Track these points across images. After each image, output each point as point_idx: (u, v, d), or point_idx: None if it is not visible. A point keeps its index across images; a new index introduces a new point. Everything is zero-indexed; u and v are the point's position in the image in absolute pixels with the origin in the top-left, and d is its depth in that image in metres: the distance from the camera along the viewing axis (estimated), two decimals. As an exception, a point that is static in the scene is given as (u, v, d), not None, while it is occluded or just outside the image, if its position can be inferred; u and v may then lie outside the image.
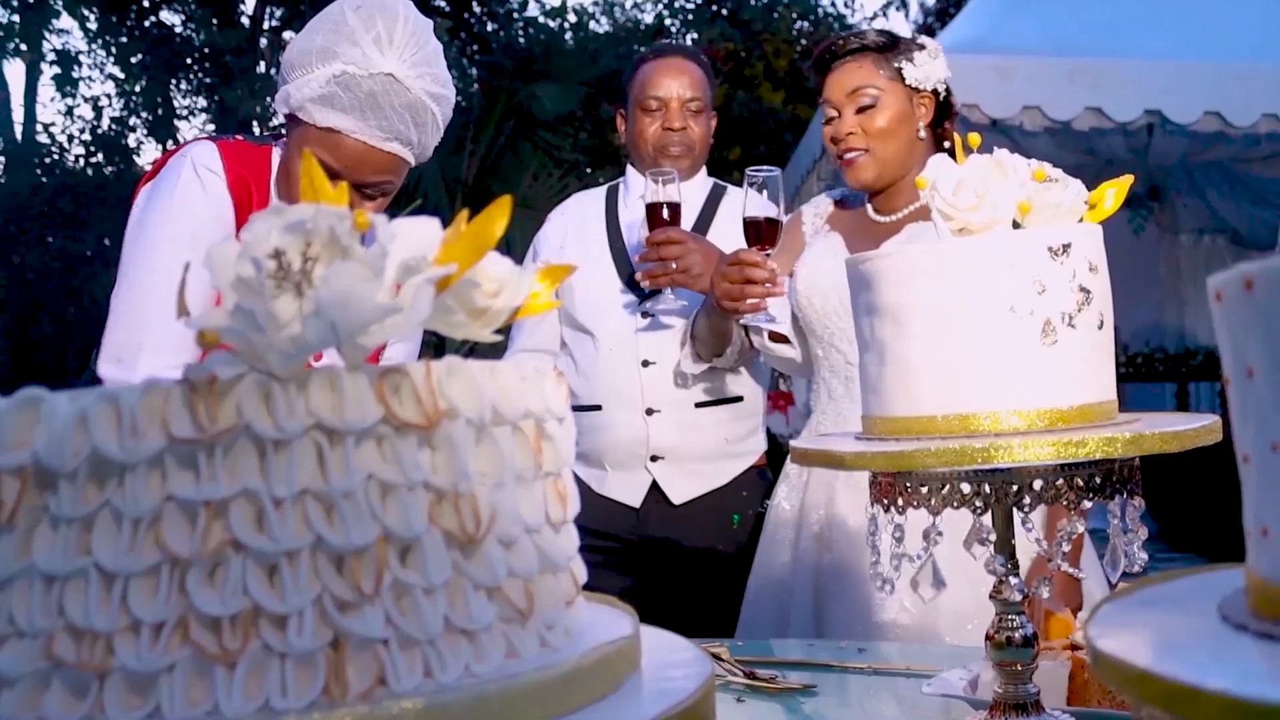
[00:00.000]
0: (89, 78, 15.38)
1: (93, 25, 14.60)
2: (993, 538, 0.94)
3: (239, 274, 0.61)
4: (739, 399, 2.49)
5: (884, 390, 0.95)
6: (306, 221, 0.62)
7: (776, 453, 7.13)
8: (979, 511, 0.91)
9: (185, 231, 1.78)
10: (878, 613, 1.93)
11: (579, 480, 2.49)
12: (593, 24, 14.70)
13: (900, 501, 0.94)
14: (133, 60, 14.18)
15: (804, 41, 13.65)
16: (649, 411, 2.43)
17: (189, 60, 14.16)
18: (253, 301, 0.60)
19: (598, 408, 2.47)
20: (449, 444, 0.63)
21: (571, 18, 14.50)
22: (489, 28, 14.14)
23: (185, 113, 14.55)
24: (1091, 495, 0.91)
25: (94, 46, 15.05)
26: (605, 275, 2.51)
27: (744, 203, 2.14)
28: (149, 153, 14.89)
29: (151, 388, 0.60)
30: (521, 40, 13.72)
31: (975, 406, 0.90)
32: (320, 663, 0.58)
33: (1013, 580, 0.99)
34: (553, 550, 0.70)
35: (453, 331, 0.67)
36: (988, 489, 0.90)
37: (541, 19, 14.54)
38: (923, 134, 2.15)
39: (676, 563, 2.43)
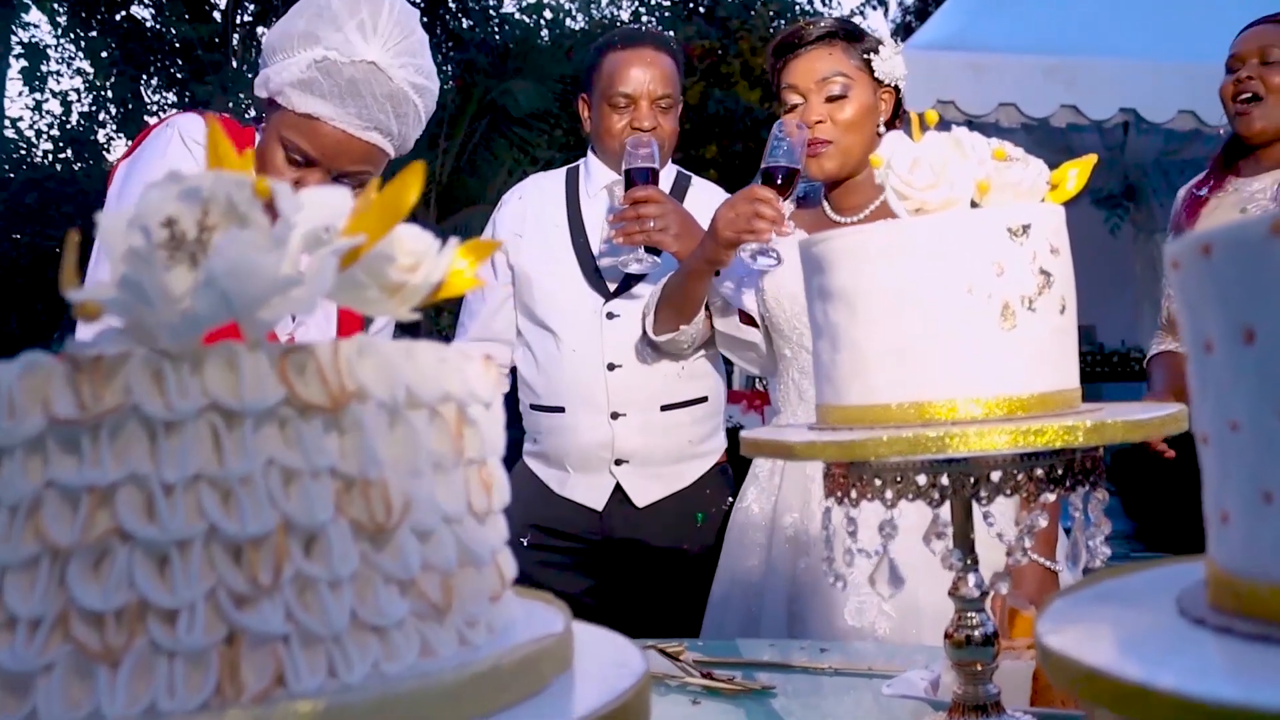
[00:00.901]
0: (57, 72, 15.20)
1: (62, 19, 14.44)
2: (949, 531, 0.91)
3: (129, 244, 0.57)
4: (703, 399, 2.45)
5: (837, 378, 0.91)
6: (203, 189, 0.57)
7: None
8: (935, 504, 0.87)
9: None
10: (856, 617, 1.89)
11: (539, 481, 2.44)
12: (568, 20, 14.65)
13: (854, 494, 0.90)
14: (103, 55, 14.03)
15: (780, 40, 13.58)
16: (614, 415, 2.38)
17: (159, 55, 14.03)
18: (142, 273, 0.56)
19: (560, 409, 2.41)
20: (358, 428, 0.59)
21: (547, 14, 14.44)
22: (464, 24, 14.06)
23: (155, 108, 14.39)
24: (1052, 486, 0.87)
25: (63, 41, 14.89)
26: (567, 270, 2.44)
27: (765, 152, 2.04)
28: (119, 149, 14.75)
29: (32, 365, 0.55)
30: (496, 37, 13.65)
31: (931, 394, 0.86)
32: (212, 661, 0.54)
33: (971, 577, 0.95)
34: (475, 542, 0.65)
35: (367, 308, 0.63)
36: (945, 480, 0.87)
37: (517, 15, 14.47)
38: (882, 130, 2.13)
39: (641, 563, 2.39)
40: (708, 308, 2.26)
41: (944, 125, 1.03)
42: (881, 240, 0.88)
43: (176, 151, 1.77)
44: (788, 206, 2.07)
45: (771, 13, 14.48)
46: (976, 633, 0.95)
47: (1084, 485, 0.88)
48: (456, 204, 11.67)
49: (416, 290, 0.63)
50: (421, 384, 0.62)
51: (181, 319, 0.54)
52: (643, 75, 2.38)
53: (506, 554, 0.71)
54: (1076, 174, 0.95)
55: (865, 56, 2.09)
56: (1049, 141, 6.54)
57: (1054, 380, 0.89)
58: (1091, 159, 0.97)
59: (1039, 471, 0.87)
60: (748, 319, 2.23)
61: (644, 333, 2.30)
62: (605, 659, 0.70)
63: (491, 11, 14.47)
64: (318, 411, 0.58)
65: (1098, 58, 6.05)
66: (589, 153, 2.57)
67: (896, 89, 2.12)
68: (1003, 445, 0.79)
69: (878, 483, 0.89)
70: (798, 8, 14.91)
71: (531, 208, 2.54)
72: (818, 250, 0.92)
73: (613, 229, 2.26)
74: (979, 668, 0.97)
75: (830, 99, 2.07)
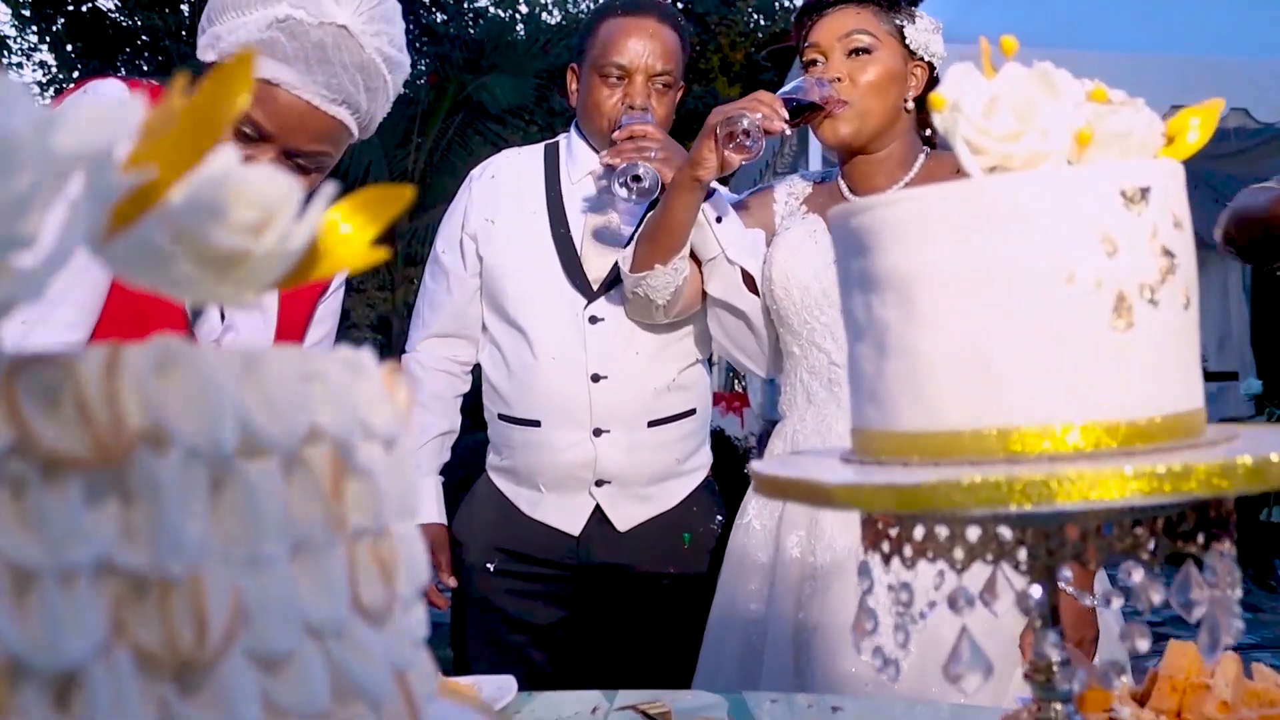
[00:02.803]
0: (19, 65, 14.82)
1: (26, 11, 14.08)
2: (1036, 597, 0.67)
3: None
4: (691, 412, 2.20)
5: (885, 394, 0.67)
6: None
7: (730, 456, 6.90)
8: (1025, 569, 0.64)
9: None
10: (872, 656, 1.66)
11: (506, 501, 2.20)
12: (544, 15, 14.39)
13: (908, 550, 0.67)
14: (66, 47, 13.68)
15: (760, 35, 13.42)
16: (597, 432, 2.12)
17: (125, 47, 13.69)
18: None
19: (535, 423, 2.14)
20: (151, 492, 0.35)
21: (523, 8, 14.19)
22: (438, 18, 13.78)
23: (121, 102, 14.01)
24: (1179, 542, 0.64)
25: (25, 32, 14.52)
26: (545, 265, 2.16)
27: (785, 82, 1.83)
28: (83, 143, 14.37)
29: None
30: (471, 31, 13.39)
31: (1020, 418, 0.63)
32: None
33: (1054, 651, 0.71)
34: (363, 662, 0.42)
35: (179, 289, 0.39)
36: (1034, 537, 0.64)
37: (492, 10, 14.20)
38: (909, 105, 1.92)
39: (624, 591, 2.15)
40: (696, 260, 2.01)
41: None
42: (949, 207, 0.64)
43: None
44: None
45: (750, 8, 14.27)
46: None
47: (1218, 541, 0.65)
48: (430, 202, 11.40)
49: (264, 264, 0.40)
50: (268, 415, 0.38)
51: None
52: (641, 47, 2.09)
53: (421, 662, 0.48)
54: (1199, 123, 0.72)
55: (899, 23, 1.89)
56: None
57: (1179, 398, 0.65)
58: (1219, 103, 0.74)
59: (1160, 524, 0.64)
60: (749, 281, 1.99)
61: (619, 270, 2.03)
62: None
63: (466, 6, 14.20)
64: (77, 467, 0.34)
65: (1083, 50, 5.87)
66: (572, 129, 2.28)
67: (931, 66, 1.92)
68: (1133, 492, 0.56)
69: (942, 535, 0.65)
70: (776, 3, 14.71)
71: (505, 188, 2.24)
72: (858, 222, 0.68)
73: (604, 156, 2.03)
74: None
75: (853, 53, 1.86)
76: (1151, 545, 0.63)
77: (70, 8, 13.73)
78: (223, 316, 1.61)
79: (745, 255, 1.96)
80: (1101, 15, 6.17)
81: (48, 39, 14.02)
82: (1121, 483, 0.56)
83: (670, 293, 1.97)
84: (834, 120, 1.87)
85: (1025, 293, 0.64)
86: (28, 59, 14.64)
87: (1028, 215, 0.64)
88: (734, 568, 1.96)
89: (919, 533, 0.67)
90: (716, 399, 7.75)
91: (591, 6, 15.07)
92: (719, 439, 7.18)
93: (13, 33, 14.70)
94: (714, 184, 1.95)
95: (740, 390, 9.15)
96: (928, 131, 2.01)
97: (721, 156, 1.80)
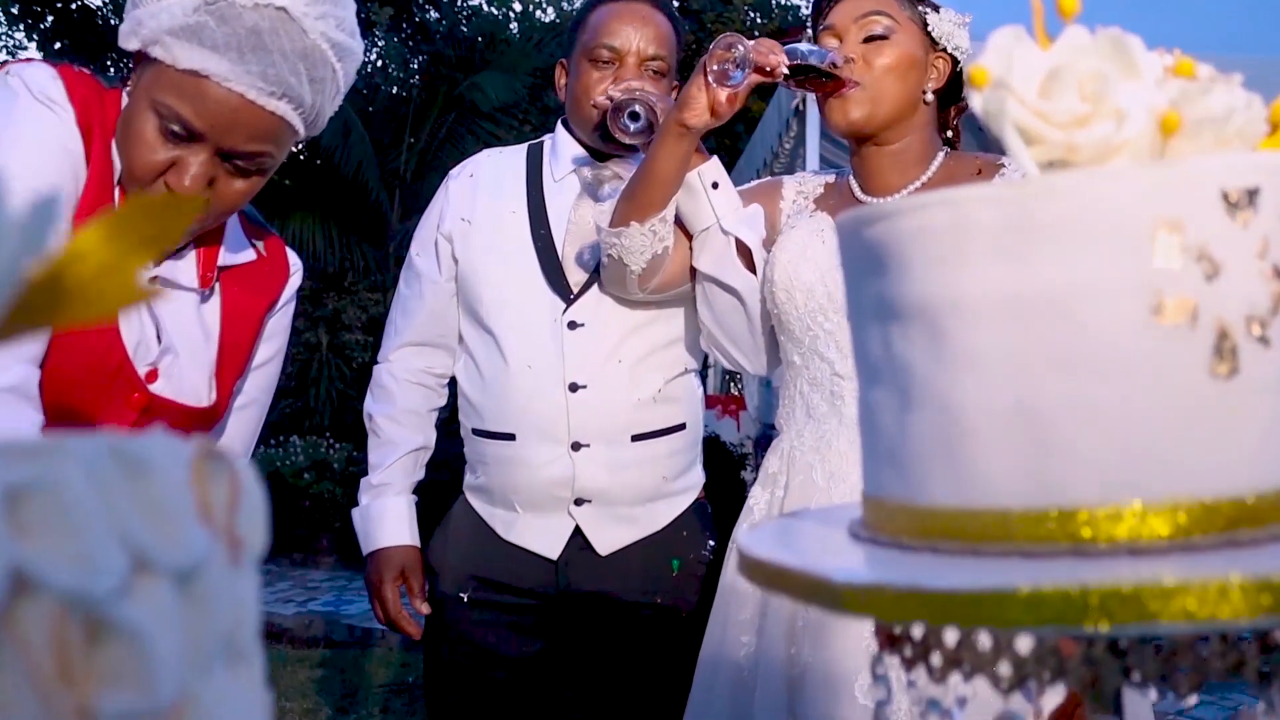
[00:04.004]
0: (5, 62, 14.64)
1: (14, 9, 13.90)
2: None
3: None
4: (680, 427, 2.04)
5: (909, 457, 0.52)
6: None
7: (725, 464, 6.72)
8: (1094, 695, 0.49)
9: (43, 176, 1.32)
10: (868, 695, 1.52)
11: (482, 523, 2.04)
12: (538, 12, 14.23)
13: (936, 659, 0.52)
14: (55, 45, 13.51)
15: (756, 33, 13.26)
16: (575, 446, 1.95)
17: (114, 45, 13.53)
18: None
19: (510, 437, 1.98)
20: None
21: (516, 6, 14.03)
22: (430, 16, 13.61)
23: (109, 100, 13.87)
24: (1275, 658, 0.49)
25: (13, 30, 14.36)
26: (522, 267, 2.01)
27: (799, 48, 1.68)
28: (71, 142, 14.23)
29: None
30: (464, 29, 13.23)
31: (1086, 494, 0.48)
32: None
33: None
34: None
35: None
36: (1111, 657, 0.48)
37: (485, 7, 14.04)
38: (929, 98, 1.77)
39: (606, 621, 1.99)
40: (687, 235, 1.84)
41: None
42: (997, 216, 0.49)
43: (30, 111, 1.35)
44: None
45: (747, 6, 14.12)
46: None
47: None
48: (422, 203, 11.25)
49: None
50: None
51: None
52: (634, 32, 1.97)
53: None
54: (1310, 106, 0.57)
55: (922, 10, 1.76)
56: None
57: (1292, 465, 0.50)
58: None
59: (1272, 641, 0.49)
60: (744, 252, 1.81)
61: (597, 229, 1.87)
62: None
63: (459, 3, 14.04)
64: None
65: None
66: (558, 127, 2.13)
67: (954, 60, 1.77)
68: (1263, 612, 0.41)
69: (984, 645, 0.50)
70: (773, 1, 14.55)
71: (484, 187, 2.10)
72: (875, 234, 0.53)
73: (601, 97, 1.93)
74: None
75: (870, 39, 1.72)
76: (1263, 665, 0.48)
77: (59, 6, 13.56)
78: (159, 337, 1.44)
79: (741, 226, 1.80)
80: (1108, 14, 6.04)
81: (35, 37, 13.84)
82: (1246, 597, 0.40)
83: (646, 259, 1.80)
84: (844, 101, 1.72)
85: (1096, 329, 0.48)
86: (14, 58, 14.47)
87: (1099, 226, 0.48)
88: (726, 596, 1.81)
89: (951, 638, 0.51)
90: (711, 402, 7.60)
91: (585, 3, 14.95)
92: (713, 445, 7.01)
93: (2, 31, 14.54)
94: (714, 159, 1.82)
95: (737, 393, 8.99)
96: (948, 133, 1.86)
97: (712, 96, 1.65)
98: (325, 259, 11.53)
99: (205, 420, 1.48)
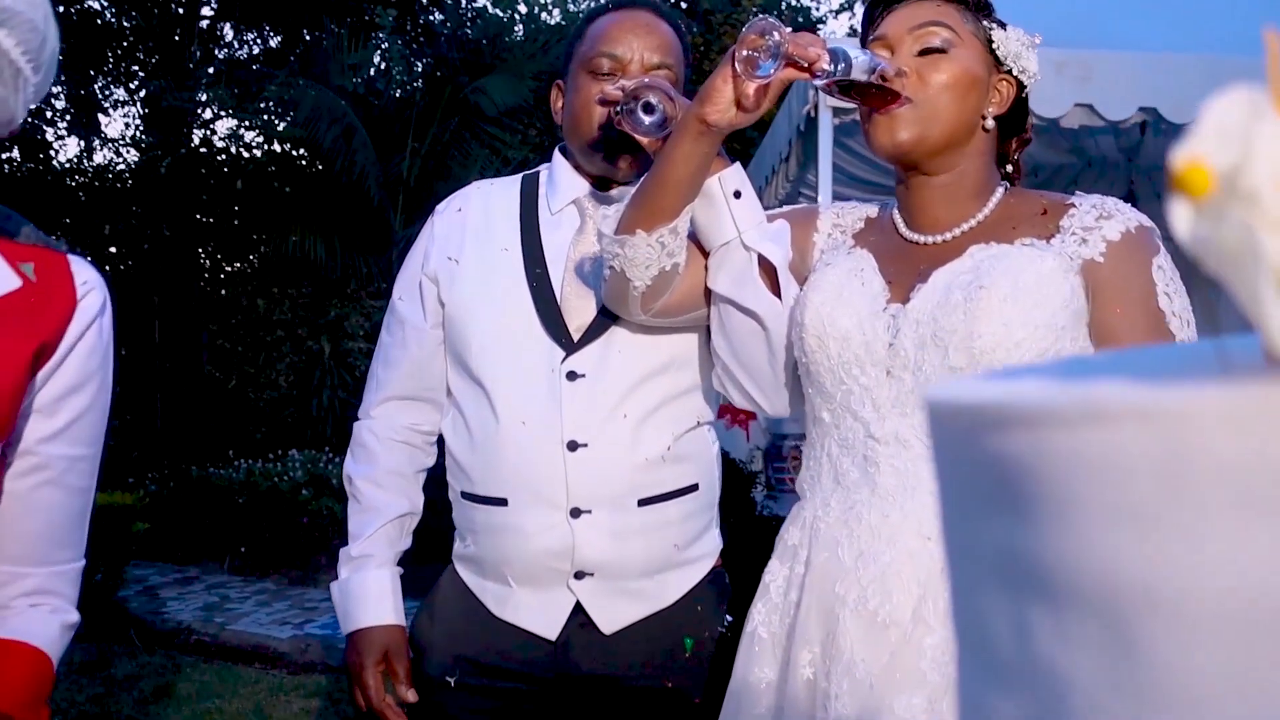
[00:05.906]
0: (4, 67, 14.48)
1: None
2: None
3: None
4: (693, 488, 1.82)
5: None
6: None
7: (734, 479, 6.48)
8: None
9: None
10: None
11: (471, 597, 1.84)
12: (544, 14, 14.03)
13: None
14: (55, 48, 13.35)
15: (765, 35, 13.05)
16: (575, 513, 1.74)
17: (115, 47, 13.38)
18: None
19: (502, 502, 1.77)
20: None
21: (521, 8, 13.82)
22: (435, 18, 13.42)
23: (107, 105, 13.72)
24: None
25: (11, 33, 14.19)
26: (516, 311, 1.79)
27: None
28: (69, 149, 14.08)
29: None
30: (468, 31, 13.04)
31: None
32: None
33: None
34: None
35: None
36: None
37: (490, 9, 13.83)
38: (989, 124, 1.54)
39: (610, 708, 1.78)
40: (699, 245, 1.63)
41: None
42: (1246, 445, 0.29)
43: None
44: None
45: (756, 8, 13.91)
46: None
47: None
48: (425, 209, 11.07)
49: None
50: None
51: None
52: (636, 40, 1.77)
53: None
54: None
55: (986, 25, 1.54)
56: (1060, 142, 6.00)
57: None
58: None
59: None
60: (769, 270, 1.60)
61: (599, 235, 1.64)
62: None
63: (464, 6, 13.84)
64: None
65: (1115, 51, 5.53)
66: (555, 155, 1.93)
67: (1020, 85, 1.55)
68: None
69: None
70: (784, 2, 14.33)
71: (474, 222, 1.88)
72: (1008, 446, 0.33)
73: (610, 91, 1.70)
74: None
75: (925, 51, 1.50)
76: None
77: (60, 8, 13.42)
78: None
79: (765, 242, 1.57)
80: (1132, 12, 5.83)
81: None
82: None
83: (652, 274, 1.58)
84: (892, 119, 1.49)
85: None
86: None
87: None
88: (739, 687, 1.60)
89: None
90: (720, 411, 7.38)
91: (591, 6, 14.76)
92: (721, 462, 6.74)
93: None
94: (736, 164, 1.60)
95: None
96: (1008, 167, 1.64)
97: (739, 89, 1.43)
98: (327, 266, 11.35)
99: None
